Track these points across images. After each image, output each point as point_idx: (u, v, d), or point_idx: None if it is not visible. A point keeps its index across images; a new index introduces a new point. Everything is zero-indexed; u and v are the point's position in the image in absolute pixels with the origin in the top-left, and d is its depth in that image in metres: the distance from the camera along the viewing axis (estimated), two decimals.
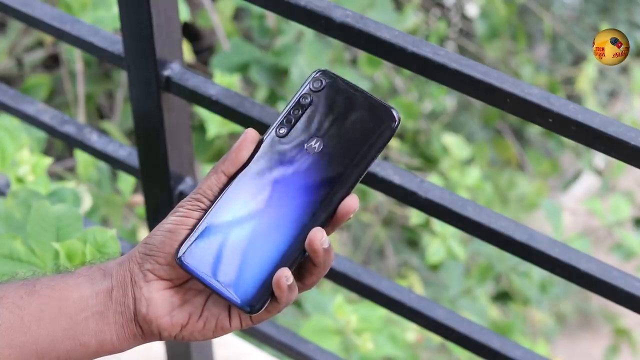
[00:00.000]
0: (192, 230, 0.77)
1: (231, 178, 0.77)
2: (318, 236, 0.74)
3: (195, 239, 0.76)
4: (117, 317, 0.77)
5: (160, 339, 0.78)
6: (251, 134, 0.77)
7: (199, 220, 0.77)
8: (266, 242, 0.76)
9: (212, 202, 0.77)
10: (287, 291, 0.74)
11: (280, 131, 0.77)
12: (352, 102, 0.76)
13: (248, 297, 0.76)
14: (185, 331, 0.78)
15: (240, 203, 0.76)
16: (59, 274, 0.79)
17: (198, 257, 0.76)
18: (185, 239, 0.76)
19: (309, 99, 0.77)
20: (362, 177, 0.75)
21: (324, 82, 0.77)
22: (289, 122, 0.77)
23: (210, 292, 0.78)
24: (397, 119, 0.76)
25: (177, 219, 0.77)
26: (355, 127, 0.76)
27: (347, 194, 0.75)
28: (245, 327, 0.78)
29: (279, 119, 0.77)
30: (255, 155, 0.77)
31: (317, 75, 0.77)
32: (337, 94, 0.77)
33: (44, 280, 0.78)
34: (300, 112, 0.77)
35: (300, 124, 0.77)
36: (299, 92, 0.77)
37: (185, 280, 0.78)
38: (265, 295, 0.76)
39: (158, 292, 0.77)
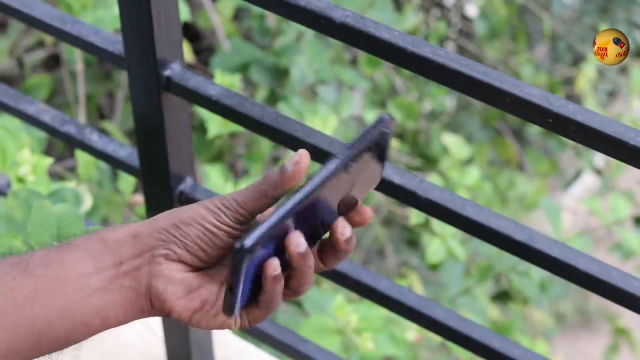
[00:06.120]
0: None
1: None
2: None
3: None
4: (125, 292, 0.75)
5: (166, 317, 0.77)
6: (306, 161, 0.75)
7: (238, 230, 0.76)
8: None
9: (249, 220, 0.76)
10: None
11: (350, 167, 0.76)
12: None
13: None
14: (195, 317, 0.76)
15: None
16: (54, 248, 0.76)
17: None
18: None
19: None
20: None
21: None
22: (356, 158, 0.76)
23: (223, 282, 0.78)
24: (390, 121, 0.77)
25: (221, 226, 0.75)
26: (375, 144, 0.77)
27: None
28: (252, 324, 0.78)
29: (350, 155, 0.75)
30: (319, 183, 0.75)
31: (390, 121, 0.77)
32: None
33: (38, 257, 0.75)
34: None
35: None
36: (375, 135, 0.76)
37: (201, 268, 0.77)
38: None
39: (179, 273, 0.75)
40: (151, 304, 0.76)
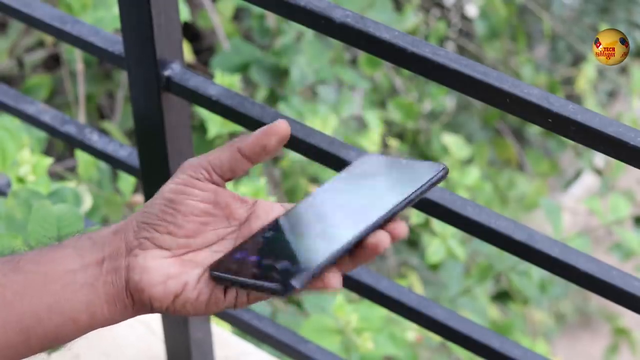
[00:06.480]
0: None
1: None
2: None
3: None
4: (108, 288, 0.75)
5: (152, 311, 0.76)
6: (283, 127, 0.75)
7: (202, 189, 0.76)
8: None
9: (220, 175, 0.76)
10: None
11: None
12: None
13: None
14: (178, 302, 0.75)
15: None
16: (46, 247, 0.77)
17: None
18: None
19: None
20: None
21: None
22: None
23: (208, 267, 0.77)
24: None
25: (177, 188, 0.75)
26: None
27: None
28: (239, 306, 0.76)
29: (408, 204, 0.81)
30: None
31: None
32: None
33: (29, 255, 0.75)
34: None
35: None
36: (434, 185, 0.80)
37: (185, 252, 0.76)
38: None
39: (154, 260, 0.75)
40: (132, 299, 0.75)
